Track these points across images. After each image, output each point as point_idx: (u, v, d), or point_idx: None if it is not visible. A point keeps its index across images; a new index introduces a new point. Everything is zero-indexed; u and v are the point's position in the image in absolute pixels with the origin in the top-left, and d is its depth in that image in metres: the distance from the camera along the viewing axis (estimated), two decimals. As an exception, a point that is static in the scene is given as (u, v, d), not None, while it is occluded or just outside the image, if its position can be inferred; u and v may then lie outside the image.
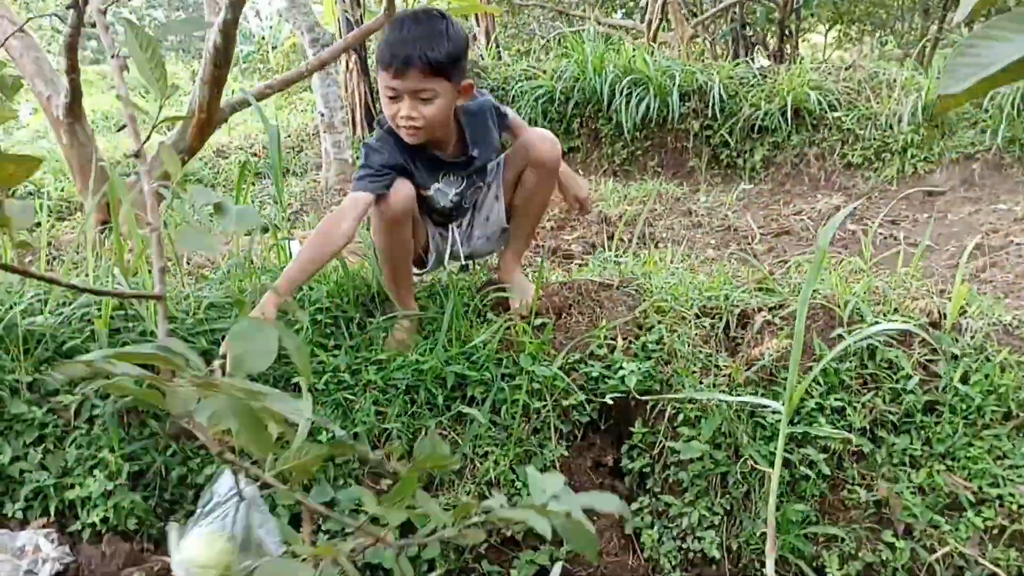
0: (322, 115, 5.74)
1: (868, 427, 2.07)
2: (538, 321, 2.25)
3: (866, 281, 2.26)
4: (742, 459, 2.04)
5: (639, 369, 2.12)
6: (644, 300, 2.29)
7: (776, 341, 2.11)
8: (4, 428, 2.11)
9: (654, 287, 2.34)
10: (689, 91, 6.24)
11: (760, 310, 2.22)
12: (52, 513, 2.09)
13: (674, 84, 6.20)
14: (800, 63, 6.51)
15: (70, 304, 2.27)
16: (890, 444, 2.06)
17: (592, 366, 2.17)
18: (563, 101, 6.49)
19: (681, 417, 2.09)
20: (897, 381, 2.09)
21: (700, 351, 2.16)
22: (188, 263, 3.15)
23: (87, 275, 2.44)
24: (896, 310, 2.18)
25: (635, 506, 2.12)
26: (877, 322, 2.12)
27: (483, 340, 2.17)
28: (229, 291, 2.36)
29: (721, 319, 2.24)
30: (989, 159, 5.23)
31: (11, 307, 2.18)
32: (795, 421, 2.04)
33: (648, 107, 6.11)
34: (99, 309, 2.15)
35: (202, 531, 1.55)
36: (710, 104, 6.10)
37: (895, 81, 6.24)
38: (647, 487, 2.13)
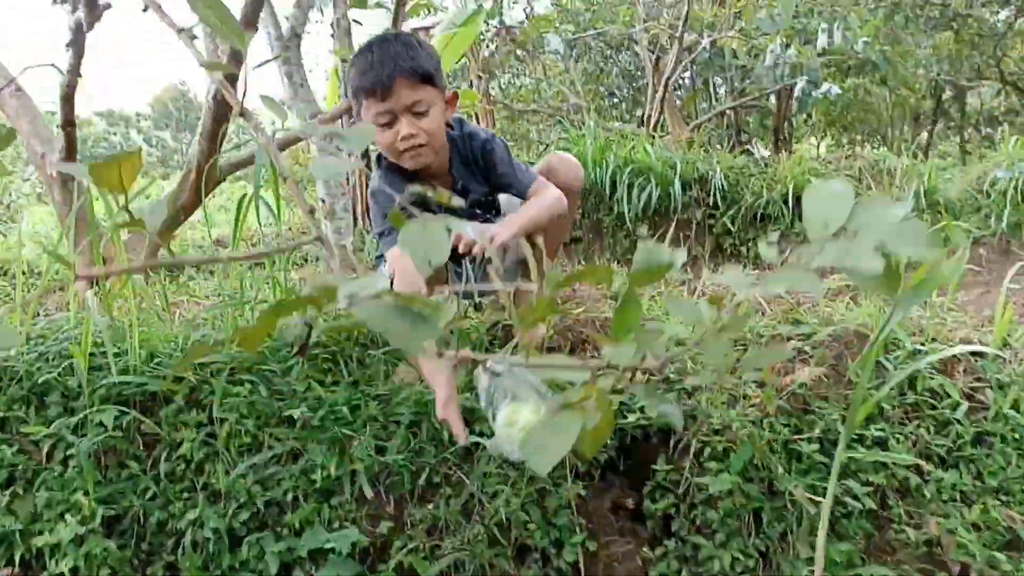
0: (323, 201, 5.70)
1: (913, 463, 1.89)
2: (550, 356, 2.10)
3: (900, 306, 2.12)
4: (777, 494, 1.85)
5: (662, 399, 1.95)
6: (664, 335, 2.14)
7: (809, 369, 1.96)
8: (-31, 470, 1.94)
9: (673, 321, 2.20)
10: (691, 180, 6.25)
11: (789, 339, 2.08)
12: (17, 563, 1.89)
13: (675, 173, 6.21)
14: (800, 154, 6.55)
15: (45, 342, 2.13)
16: (938, 479, 1.87)
17: (609, 399, 2.00)
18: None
19: (708, 451, 1.92)
20: (942, 411, 1.93)
21: (726, 382, 2.01)
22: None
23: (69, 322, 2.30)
24: (934, 339, 2.04)
25: (660, 551, 1.91)
26: (917, 350, 1.98)
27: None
28: (221, 332, 2.22)
29: (747, 350, 2.09)
30: (994, 244, 5.19)
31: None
32: (832, 453, 1.87)
33: (650, 197, 6.10)
34: (79, 344, 2.01)
35: (501, 415, 1.66)
36: (712, 193, 6.09)
37: (895, 169, 6.26)
38: (672, 530, 1.94)
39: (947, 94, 11.72)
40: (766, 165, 6.46)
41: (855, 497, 1.84)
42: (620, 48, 10.37)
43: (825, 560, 1.79)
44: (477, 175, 2.23)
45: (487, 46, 10.37)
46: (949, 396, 1.94)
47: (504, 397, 1.68)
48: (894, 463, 1.86)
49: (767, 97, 9.26)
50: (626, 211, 6.01)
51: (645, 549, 1.93)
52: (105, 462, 1.99)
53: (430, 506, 1.92)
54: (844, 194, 1.28)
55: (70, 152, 2.97)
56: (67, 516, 1.90)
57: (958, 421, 1.91)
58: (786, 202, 5.89)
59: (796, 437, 1.88)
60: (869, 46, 7.70)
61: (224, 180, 3.15)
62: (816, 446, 1.86)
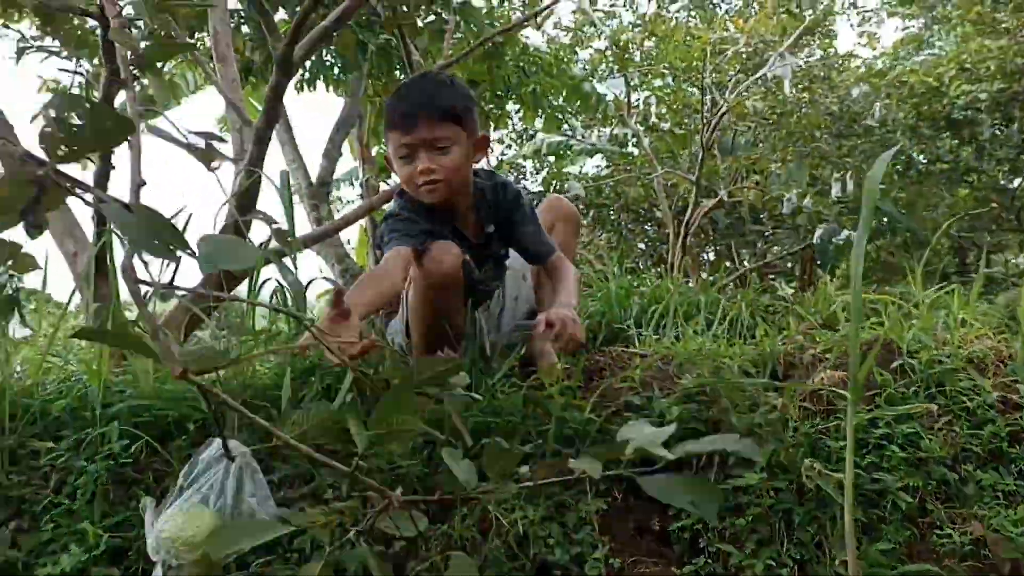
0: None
1: (949, 461, 1.80)
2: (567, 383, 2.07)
3: (924, 319, 2.09)
4: (807, 498, 1.76)
5: (681, 412, 1.91)
6: (680, 361, 2.12)
7: (831, 372, 1.91)
8: (-24, 503, 1.91)
9: (691, 350, 2.18)
10: (715, 320, 6.25)
11: (808, 349, 2.04)
12: (17, 593, 1.82)
13: (699, 313, 6.22)
14: (825, 289, 6.58)
15: (61, 380, 2.15)
16: (977, 479, 1.78)
17: (629, 416, 1.96)
18: (591, 339, 6.49)
19: (732, 459, 1.85)
20: (974, 412, 1.86)
21: (746, 391, 1.96)
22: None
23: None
24: (959, 346, 2.00)
25: (688, 569, 1.80)
26: (942, 354, 1.94)
27: (508, 392, 1.99)
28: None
29: (767, 366, 2.05)
30: None
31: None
32: (863, 452, 1.79)
33: (662, 324, 6.08)
34: (94, 367, 2.03)
35: (184, 504, 1.34)
36: (736, 330, 6.07)
37: (924, 302, 6.25)
38: (700, 547, 1.83)
39: (971, 256, 11.85)
40: (791, 304, 6.48)
41: (890, 500, 1.74)
42: (641, 218, 10.69)
43: (864, 560, 1.68)
44: (500, 227, 2.27)
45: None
46: (979, 396, 1.87)
47: (197, 490, 1.45)
48: (930, 461, 1.77)
49: (789, 258, 9.43)
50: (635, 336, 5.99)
51: (674, 569, 1.81)
52: (115, 494, 1.95)
53: (445, 525, 1.84)
54: None
55: (101, 251, 3.08)
56: (72, 546, 1.84)
57: (992, 421, 1.83)
58: (814, 340, 5.87)
59: (821, 435, 1.81)
60: (884, 193, 7.92)
61: (248, 275, 3.23)
62: (842, 443, 1.78)
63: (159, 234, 0.90)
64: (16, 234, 2.61)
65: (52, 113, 0.88)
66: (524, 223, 2.26)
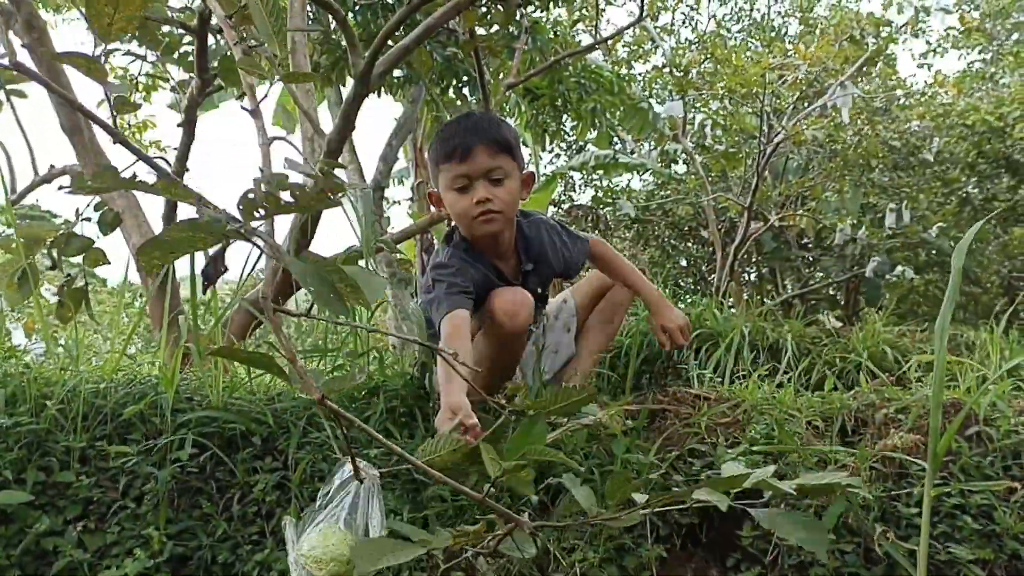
0: (394, 348, 5.79)
1: (1023, 536, 1.77)
2: (629, 423, 2.07)
3: (1001, 385, 2.06)
4: (874, 562, 1.74)
5: (747, 462, 1.89)
6: (746, 408, 2.11)
7: (905, 434, 1.89)
8: (46, 501, 1.94)
9: (755, 398, 2.16)
10: (759, 347, 6.19)
11: (881, 407, 2.01)
12: (82, 596, 1.85)
13: (744, 341, 6.17)
14: (873, 323, 6.50)
15: (131, 382, 2.18)
16: (1050, 556, 1.74)
17: (692, 463, 1.95)
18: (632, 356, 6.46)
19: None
20: (1049, 486, 1.82)
21: (815, 446, 1.94)
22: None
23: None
24: (1034, 415, 1.96)
25: (748, 624, 1.78)
26: (1019, 422, 1.90)
27: (569, 428, 1.98)
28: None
29: (835, 420, 2.03)
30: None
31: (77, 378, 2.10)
32: (935, 520, 1.76)
33: (718, 363, 6.05)
34: (166, 375, 2.05)
35: (319, 525, 1.44)
36: (782, 361, 6.01)
37: (975, 344, 6.14)
38: (759, 602, 1.81)
39: (1021, 296, 11.61)
40: (838, 335, 6.40)
41: (961, 572, 1.71)
42: (686, 236, 10.62)
43: (931, 632, 1.65)
44: (537, 264, 2.28)
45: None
46: (1057, 470, 1.83)
47: (331, 512, 1.48)
48: (1003, 534, 1.74)
49: (833, 287, 9.30)
50: (692, 377, 5.95)
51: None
52: (179, 501, 1.97)
53: (503, 559, 1.84)
54: None
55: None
56: (136, 551, 1.87)
57: (1068, 497, 1.80)
58: (859, 371, 5.80)
59: (892, 501, 1.78)
60: (944, 232, 7.79)
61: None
62: (915, 510, 1.76)
63: (331, 286, 0.93)
64: (88, 228, 2.65)
65: (262, 186, 0.91)
66: (552, 235, 2.28)
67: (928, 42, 9.29)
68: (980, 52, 9.70)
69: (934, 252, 8.71)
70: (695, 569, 1.90)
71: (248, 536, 1.91)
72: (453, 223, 2.23)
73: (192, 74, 2.97)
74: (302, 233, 2.97)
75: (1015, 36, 9.78)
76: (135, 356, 2.85)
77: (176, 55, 2.55)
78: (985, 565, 1.73)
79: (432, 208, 2.26)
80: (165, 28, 2.81)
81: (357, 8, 3.97)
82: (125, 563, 1.85)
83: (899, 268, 7.57)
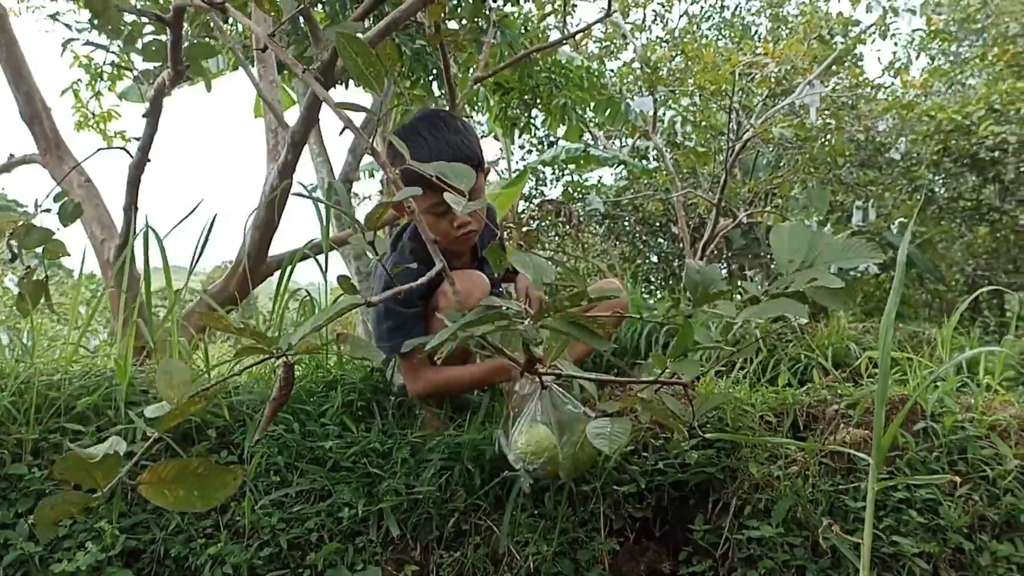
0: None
1: (966, 530, 1.80)
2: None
3: (949, 381, 2.09)
4: (821, 555, 1.77)
5: (700, 456, 1.91)
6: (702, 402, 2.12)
7: (854, 430, 1.92)
8: (-2, 492, 1.92)
9: (712, 391, 2.18)
10: (727, 343, 6.25)
11: (832, 403, 2.04)
12: (33, 589, 1.84)
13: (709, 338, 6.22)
14: (838, 320, 6.58)
15: (86, 375, 2.17)
16: (992, 549, 1.78)
17: (646, 457, 1.97)
18: (598, 353, 6.50)
19: (749, 510, 1.85)
20: (994, 481, 1.86)
21: (767, 441, 1.96)
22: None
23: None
24: (983, 413, 2.00)
25: (698, 616, 1.81)
26: (966, 418, 1.94)
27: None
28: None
29: (788, 416, 2.06)
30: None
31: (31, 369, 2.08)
32: (881, 514, 1.79)
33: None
34: (120, 365, 2.04)
35: (522, 426, 1.80)
36: (750, 358, 6.07)
37: (935, 339, 6.23)
38: (711, 595, 1.84)
39: (985, 289, 11.77)
40: (803, 332, 6.48)
41: (905, 565, 1.74)
42: (657, 232, 10.68)
43: (875, 624, 1.68)
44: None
45: (529, 222, 10.79)
46: (1000, 465, 1.87)
47: (527, 416, 1.80)
48: (948, 528, 1.77)
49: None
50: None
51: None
52: (132, 495, 1.96)
53: (457, 553, 1.85)
54: (803, 230, 1.35)
55: (127, 238, 3.10)
56: (88, 544, 1.86)
57: (1011, 491, 1.83)
58: (825, 372, 5.86)
59: (840, 495, 1.81)
60: (903, 228, 7.89)
61: (273, 273, 3.24)
62: (862, 504, 1.78)
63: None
64: (49, 220, 2.62)
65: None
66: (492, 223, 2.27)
67: (895, 44, 9.37)
68: (945, 55, 9.82)
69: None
70: (648, 562, 1.92)
71: (202, 529, 1.90)
72: (404, 225, 2.22)
73: (158, 64, 2.94)
74: (263, 231, 2.96)
75: (980, 40, 9.92)
76: (99, 348, 2.83)
77: (140, 44, 2.52)
78: (930, 558, 1.77)
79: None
80: (128, 17, 2.78)
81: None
82: (77, 556, 1.83)
83: (863, 264, 7.63)
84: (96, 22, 2.63)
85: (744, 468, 1.89)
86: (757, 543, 1.80)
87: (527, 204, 10.76)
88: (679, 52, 8.03)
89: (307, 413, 2.06)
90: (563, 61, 5.86)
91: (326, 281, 2.36)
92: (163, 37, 3.14)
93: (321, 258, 2.48)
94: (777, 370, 5.36)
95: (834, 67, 8.36)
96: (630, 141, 9.58)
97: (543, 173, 10.56)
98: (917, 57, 9.55)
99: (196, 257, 2.59)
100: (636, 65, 8.36)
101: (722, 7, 10.75)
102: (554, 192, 10.33)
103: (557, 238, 11.37)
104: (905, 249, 1.65)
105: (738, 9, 10.77)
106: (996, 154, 7.60)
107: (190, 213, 2.65)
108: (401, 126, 2.21)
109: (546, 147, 10.15)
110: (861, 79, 8.39)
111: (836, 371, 5.27)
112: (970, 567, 1.77)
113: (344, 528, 1.86)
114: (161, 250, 2.38)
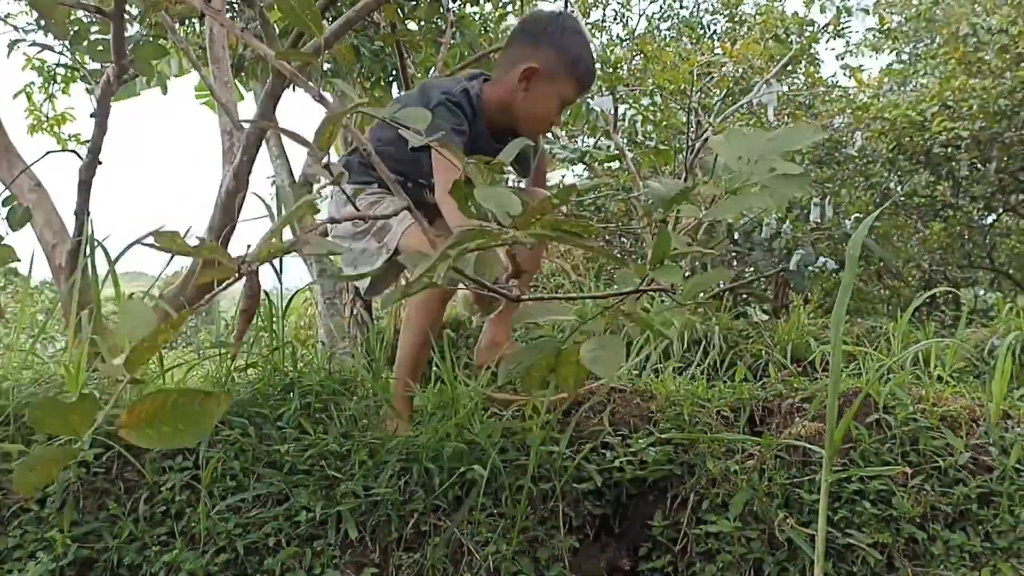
0: (322, 344, 5.76)
1: (919, 520, 1.83)
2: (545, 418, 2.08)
3: (901, 374, 2.12)
4: (778, 547, 1.78)
5: (658, 452, 1.93)
6: (660, 400, 2.14)
7: (808, 423, 1.94)
8: (-57, 508, 1.88)
9: (669, 390, 2.20)
10: (689, 341, 6.30)
11: (787, 397, 2.07)
12: (-18, 601, 1.80)
13: (674, 333, 6.26)
14: (798, 315, 6.66)
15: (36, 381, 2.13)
16: (945, 539, 1.81)
17: (604, 454, 1.97)
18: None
19: (706, 504, 1.86)
20: (946, 471, 1.89)
21: (724, 436, 1.98)
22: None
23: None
24: (935, 404, 2.03)
25: (658, 611, 1.81)
26: (917, 409, 1.97)
27: (485, 422, 2.00)
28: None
29: (745, 411, 2.07)
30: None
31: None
32: (836, 506, 1.81)
33: (648, 356, 6.13)
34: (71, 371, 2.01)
35: None
36: (709, 354, 6.12)
37: (891, 332, 6.33)
38: (671, 590, 1.85)
39: (940, 288, 12.01)
40: (764, 328, 6.55)
41: (860, 556, 1.77)
42: (619, 230, 10.72)
43: (831, 614, 1.70)
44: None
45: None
46: (952, 456, 1.90)
47: None
48: (901, 519, 1.80)
49: (763, 280, 9.50)
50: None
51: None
52: (85, 503, 1.92)
53: (417, 554, 1.84)
54: (741, 133, 1.34)
55: (80, 244, 3.04)
56: (39, 554, 1.82)
57: (962, 481, 1.87)
58: (784, 367, 5.93)
59: (795, 488, 1.83)
60: (859, 223, 8.00)
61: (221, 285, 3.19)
62: (817, 496, 1.80)
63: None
64: (-2, 225, 2.57)
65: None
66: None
67: (847, 43, 9.51)
68: (898, 54, 9.99)
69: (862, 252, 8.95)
70: (608, 559, 1.92)
71: (156, 537, 1.87)
72: (477, 74, 2.32)
73: (105, 63, 2.89)
74: (218, 234, 2.92)
75: (935, 39, 10.10)
76: (56, 355, 2.77)
77: (86, 43, 2.48)
78: (884, 549, 1.79)
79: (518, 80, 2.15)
80: (82, 14, 2.75)
81: None
82: (28, 567, 1.80)
83: (821, 259, 7.76)
84: (43, 23, 2.58)
85: (702, 463, 1.91)
86: (715, 537, 1.82)
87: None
88: (638, 52, 8.08)
89: (264, 416, 2.04)
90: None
91: (281, 285, 2.34)
92: (109, 36, 3.10)
93: (276, 261, 2.46)
94: (736, 366, 5.42)
95: (791, 67, 8.47)
96: (591, 140, 9.61)
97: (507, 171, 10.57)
98: (875, 55, 9.69)
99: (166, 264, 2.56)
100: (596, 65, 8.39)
101: (681, 6, 10.85)
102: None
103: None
104: (859, 245, 1.67)
105: (696, 9, 10.88)
106: (949, 150, 7.73)
107: (149, 235, 2.63)
108: (544, 12, 2.36)
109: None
110: (817, 78, 8.50)
111: (794, 366, 5.34)
112: (923, 557, 1.80)
113: (302, 532, 1.84)
114: (107, 256, 2.34)
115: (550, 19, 2.21)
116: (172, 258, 2.43)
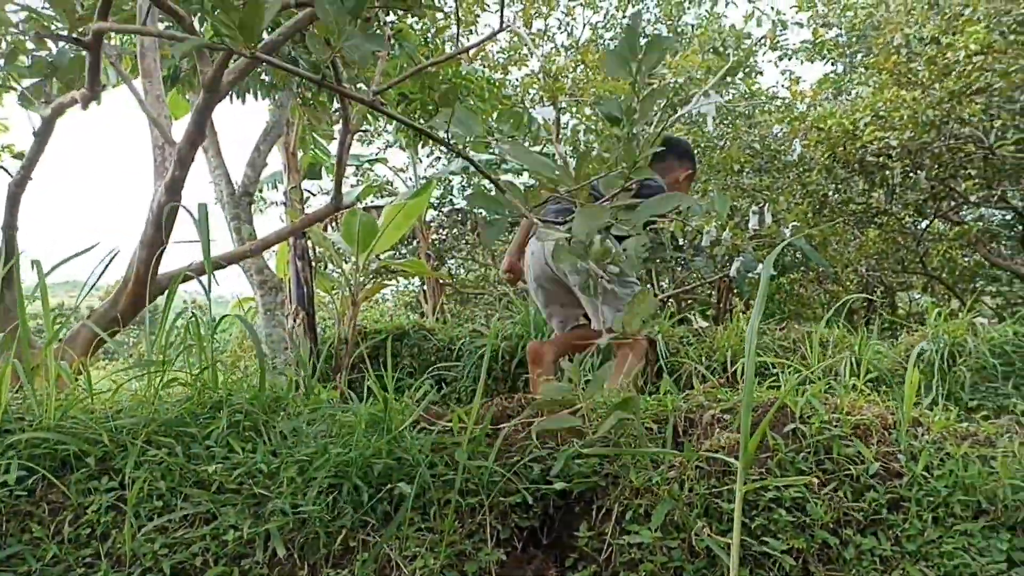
0: (264, 355, 5.68)
1: (832, 525, 1.90)
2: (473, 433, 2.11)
3: (818, 384, 2.20)
4: (698, 555, 1.83)
5: (583, 465, 1.97)
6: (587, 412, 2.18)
7: (728, 434, 1.99)
8: None
9: (597, 403, 2.24)
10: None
11: (709, 408, 2.12)
12: None
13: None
14: (738, 322, 6.79)
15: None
16: (857, 543, 1.88)
17: (532, 467, 2.01)
18: (507, 359, 6.57)
19: (630, 515, 1.91)
20: (858, 478, 1.96)
21: (647, 447, 2.03)
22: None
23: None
24: (848, 413, 2.10)
25: (583, 621, 1.85)
26: (832, 418, 2.04)
27: (416, 437, 2.02)
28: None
29: (668, 422, 2.13)
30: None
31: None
32: (753, 514, 1.87)
33: (591, 366, 6.21)
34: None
35: None
36: (653, 363, 6.22)
37: (828, 341, 6.48)
38: (595, 599, 1.89)
39: (878, 293, 12.32)
40: (704, 335, 6.67)
41: (776, 562, 1.83)
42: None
43: (748, 620, 1.75)
44: None
45: (437, 231, 10.79)
46: (863, 463, 1.97)
47: None
48: (815, 525, 1.86)
49: (706, 286, 9.65)
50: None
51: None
52: (7, 526, 1.90)
53: (345, 570, 1.86)
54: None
55: (8, 257, 3.00)
56: (-42, 580, 1.80)
57: (874, 487, 1.94)
58: (724, 370, 6.05)
59: (715, 498, 1.89)
60: (797, 231, 8.21)
61: (163, 292, 3.17)
62: (734, 505, 1.86)
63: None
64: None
65: None
66: None
67: (779, 59, 9.70)
68: (832, 64, 10.21)
69: (797, 253, 9.15)
70: (535, 570, 1.95)
71: (81, 559, 1.86)
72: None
73: (40, 79, 2.90)
74: (151, 248, 2.90)
75: (866, 51, 10.35)
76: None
77: (25, 61, 2.45)
78: (799, 555, 1.85)
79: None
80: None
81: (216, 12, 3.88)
82: (-53, 593, 1.78)
83: (761, 265, 7.90)
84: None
85: (625, 475, 1.95)
86: (638, 547, 1.86)
87: (436, 213, 10.76)
88: (580, 62, 8.17)
89: (192, 436, 2.03)
90: (464, 72, 5.90)
91: (209, 300, 2.33)
92: (44, 53, 3.07)
93: (205, 278, 2.46)
94: (676, 373, 5.51)
95: (729, 78, 8.62)
96: (536, 150, 9.68)
97: (451, 182, 10.57)
98: (809, 63, 9.89)
99: (91, 285, 2.54)
100: (539, 76, 8.46)
101: (623, 16, 10.98)
102: (460, 201, 10.34)
103: (467, 246, 11.41)
104: (770, 267, 1.73)
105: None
106: (881, 159, 7.94)
107: (83, 252, 2.62)
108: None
109: (454, 156, 10.17)
110: (755, 89, 8.67)
111: (728, 374, 5.44)
112: (837, 561, 1.87)
113: (230, 551, 1.85)
114: (39, 272, 2.32)
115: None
116: (105, 268, 2.42)
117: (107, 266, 2.64)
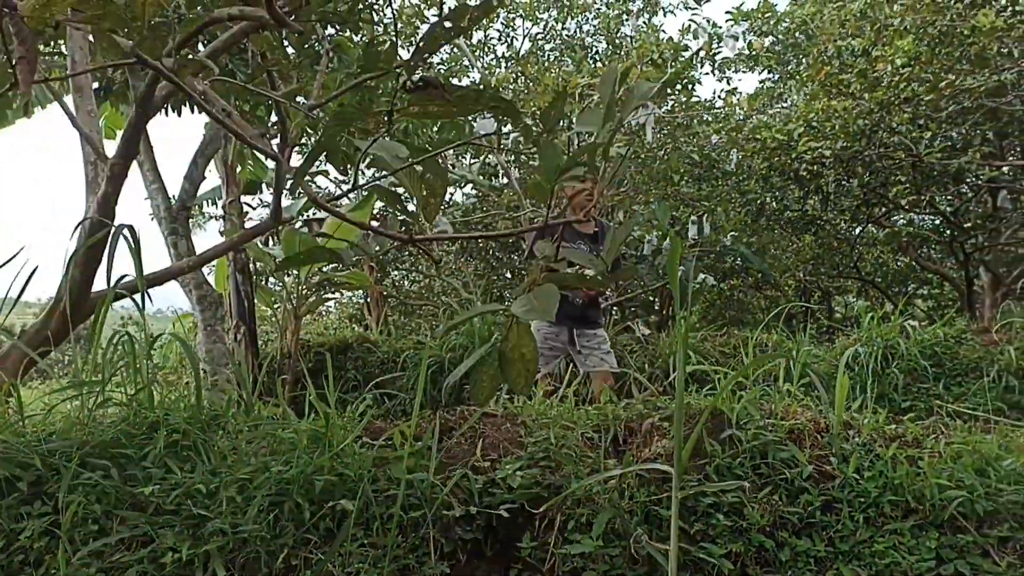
0: (205, 372, 5.61)
1: (768, 529, 1.94)
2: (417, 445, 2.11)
3: (754, 391, 2.24)
4: (638, 561, 1.86)
5: (525, 476, 1.98)
6: (528, 423, 2.20)
7: (666, 441, 2.03)
8: None
9: (537, 413, 2.26)
10: (575, 358, 6.44)
11: (648, 417, 2.16)
12: None
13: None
14: (680, 330, 6.90)
15: None
16: (792, 545, 1.92)
17: (475, 480, 2.02)
18: (451, 370, 6.56)
19: (572, 524, 1.93)
20: (792, 482, 2.01)
21: (588, 457, 2.05)
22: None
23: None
24: (783, 418, 2.15)
25: (526, 631, 1.87)
26: (767, 424, 2.08)
27: (357, 452, 2.01)
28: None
29: (609, 431, 2.15)
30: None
31: None
32: (692, 519, 1.91)
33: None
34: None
35: None
36: (574, 375, 6.27)
37: (767, 344, 6.61)
38: (539, 609, 1.90)
39: (815, 298, 12.61)
40: (647, 343, 6.76)
41: (715, 567, 1.86)
42: (509, 248, 10.85)
43: (688, 624, 1.78)
44: None
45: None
46: (796, 467, 2.02)
47: None
48: (752, 528, 1.90)
49: (649, 293, 9.77)
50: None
51: None
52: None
53: (286, 587, 1.84)
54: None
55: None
56: None
57: (808, 490, 1.99)
58: (666, 376, 6.13)
59: (655, 505, 1.92)
60: (736, 240, 8.37)
61: (93, 314, 3.10)
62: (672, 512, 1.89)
63: None
64: None
65: None
66: None
67: (724, 61, 9.89)
68: (769, 72, 10.44)
69: (737, 260, 9.33)
70: (479, 582, 1.97)
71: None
72: None
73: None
74: (84, 268, 2.83)
75: (804, 60, 10.60)
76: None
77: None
78: (737, 558, 1.89)
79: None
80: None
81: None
82: None
83: (701, 276, 8.06)
84: None
85: (567, 485, 1.97)
86: (580, 556, 1.88)
87: (379, 223, 10.70)
88: (519, 73, 8.23)
89: (128, 457, 2.00)
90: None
91: (144, 319, 2.30)
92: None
93: (138, 296, 2.42)
94: (625, 379, 5.55)
95: (668, 89, 8.76)
96: (478, 160, 9.71)
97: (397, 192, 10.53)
98: (747, 71, 10.11)
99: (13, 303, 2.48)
100: (481, 86, 8.50)
101: (562, 28, 11.08)
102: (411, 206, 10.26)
103: (410, 258, 11.37)
104: (675, 275, 1.77)
105: (578, 30, 11.13)
106: (815, 168, 8.13)
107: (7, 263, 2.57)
108: None
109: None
110: (693, 100, 8.81)
111: (667, 380, 5.52)
112: (773, 563, 1.91)
113: (168, 573, 1.82)
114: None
115: None
116: (25, 286, 2.37)
117: (26, 284, 2.60)
